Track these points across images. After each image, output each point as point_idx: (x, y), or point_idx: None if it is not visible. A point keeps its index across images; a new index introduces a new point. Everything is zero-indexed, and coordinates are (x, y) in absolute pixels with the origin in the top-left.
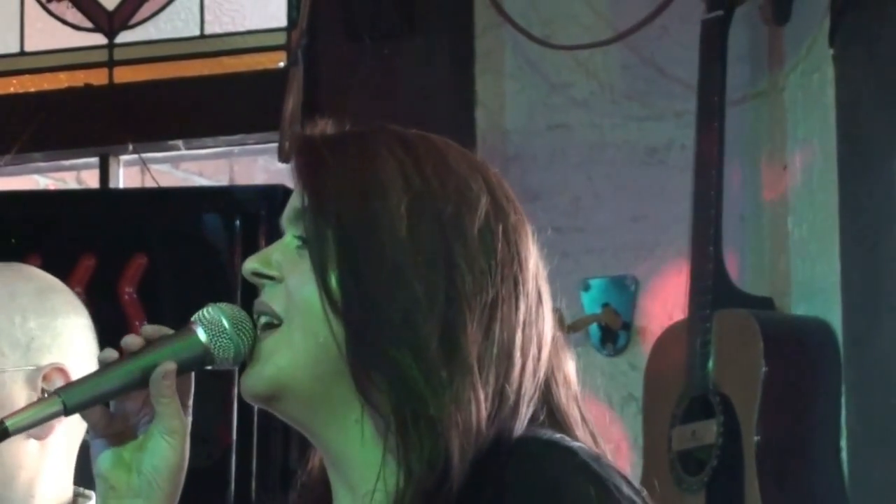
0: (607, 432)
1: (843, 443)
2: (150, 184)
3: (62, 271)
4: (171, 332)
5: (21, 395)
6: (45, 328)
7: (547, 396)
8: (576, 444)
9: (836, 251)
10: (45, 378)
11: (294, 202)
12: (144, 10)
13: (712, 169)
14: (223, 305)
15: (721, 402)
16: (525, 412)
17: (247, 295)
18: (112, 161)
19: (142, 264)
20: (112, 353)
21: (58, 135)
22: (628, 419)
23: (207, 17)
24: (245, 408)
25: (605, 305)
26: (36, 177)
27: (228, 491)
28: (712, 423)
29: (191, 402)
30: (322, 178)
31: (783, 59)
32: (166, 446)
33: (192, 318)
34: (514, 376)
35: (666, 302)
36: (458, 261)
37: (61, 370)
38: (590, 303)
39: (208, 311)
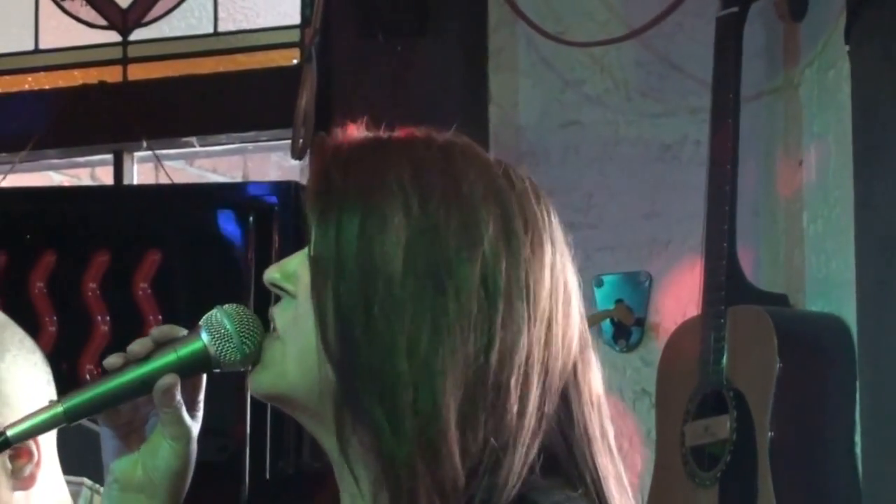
0: (620, 427)
1: (857, 439)
2: (164, 180)
3: (76, 268)
4: (181, 331)
5: None
6: None
7: (564, 419)
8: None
9: (851, 247)
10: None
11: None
12: (158, 8)
13: (727, 165)
14: (229, 308)
15: (735, 398)
16: (522, 455)
17: (260, 290)
18: (126, 158)
19: (156, 260)
20: (117, 360)
21: (72, 132)
22: (641, 414)
23: (221, 14)
24: (259, 401)
25: (619, 301)
26: (50, 173)
27: (243, 484)
28: (726, 419)
29: (201, 398)
30: (327, 208)
31: (798, 56)
32: (169, 450)
33: (200, 321)
34: (509, 422)
35: (679, 298)
36: (448, 309)
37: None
38: (603, 299)
39: (214, 316)
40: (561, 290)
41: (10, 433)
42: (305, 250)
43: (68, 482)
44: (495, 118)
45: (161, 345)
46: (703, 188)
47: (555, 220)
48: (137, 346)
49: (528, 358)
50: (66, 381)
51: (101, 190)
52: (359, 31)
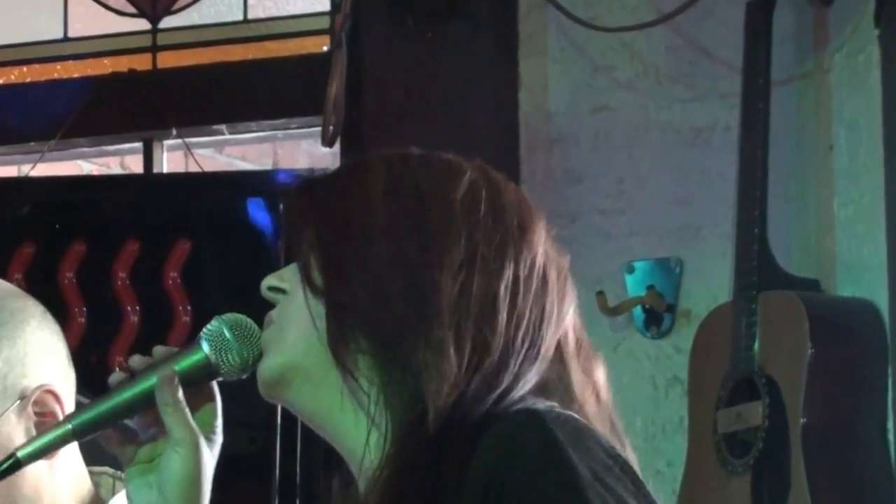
0: (653, 415)
1: (890, 424)
2: (193, 168)
3: (106, 256)
4: (177, 350)
5: (18, 432)
6: (10, 360)
7: (566, 379)
8: (552, 411)
9: (883, 232)
10: (35, 404)
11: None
12: None
13: (757, 150)
14: (227, 316)
15: (767, 384)
16: (518, 370)
17: None
18: (156, 146)
19: (186, 249)
20: (120, 376)
21: (102, 120)
22: (673, 402)
23: (250, 1)
24: None
25: (650, 288)
26: (80, 162)
27: (273, 475)
28: (758, 405)
29: (215, 418)
30: (302, 196)
31: (828, 40)
32: (176, 458)
33: (200, 333)
34: (499, 327)
35: (711, 284)
36: (432, 223)
37: (47, 390)
38: (634, 285)
39: (212, 324)
40: (555, 261)
41: (20, 453)
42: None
43: (91, 472)
44: (525, 104)
45: (159, 360)
46: (734, 173)
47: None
48: (138, 361)
49: (514, 274)
50: (96, 372)
51: (130, 178)
52: (389, 17)
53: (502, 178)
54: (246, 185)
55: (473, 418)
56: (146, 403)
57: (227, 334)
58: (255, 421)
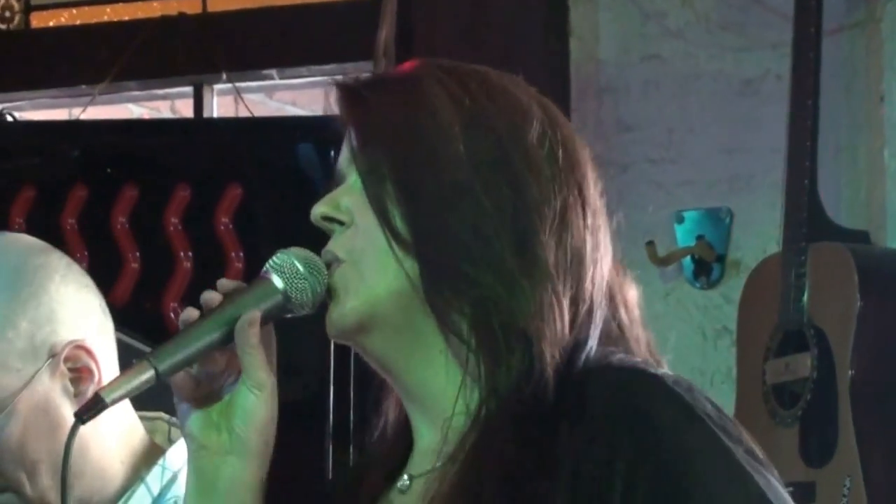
0: (701, 366)
1: None
2: (243, 113)
3: (158, 201)
4: (242, 284)
5: (55, 390)
6: (37, 320)
7: (614, 312)
8: (660, 371)
9: None
10: (67, 360)
11: (346, 145)
12: None
13: (808, 100)
14: (292, 249)
15: (815, 336)
16: (599, 320)
17: None
18: (206, 90)
19: (237, 194)
20: (194, 313)
21: (152, 64)
22: (722, 352)
23: None
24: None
25: (700, 238)
26: (130, 106)
27: (327, 422)
28: (807, 357)
29: (274, 359)
30: (366, 114)
31: None
32: (254, 400)
33: (264, 268)
34: (587, 282)
35: (760, 234)
36: (522, 170)
37: (78, 346)
38: (684, 235)
39: (279, 257)
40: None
41: (106, 397)
42: (346, 184)
43: (144, 418)
44: (576, 52)
45: (229, 295)
46: (785, 123)
47: None
48: (209, 296)
49: (592, 227)
50: (150, 317)
51: (180, 123)
52: None
53: (558, 112)
54: (296, 130)
55: (575, 374)
56: (225, 341)
57: (300, 267)
58: (307, 367)
